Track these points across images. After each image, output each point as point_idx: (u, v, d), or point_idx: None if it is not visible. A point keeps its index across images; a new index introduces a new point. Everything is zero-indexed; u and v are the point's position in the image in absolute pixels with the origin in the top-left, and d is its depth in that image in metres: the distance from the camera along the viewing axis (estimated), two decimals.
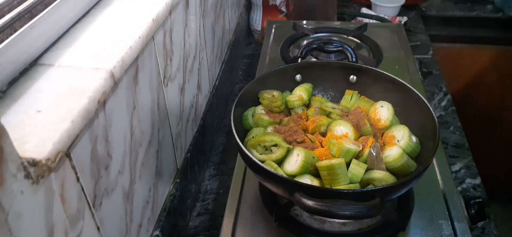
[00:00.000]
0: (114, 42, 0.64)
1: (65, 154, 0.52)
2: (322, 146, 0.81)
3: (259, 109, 0.90)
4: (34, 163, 0.45)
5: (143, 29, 0.68)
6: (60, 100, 0.53)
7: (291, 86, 0.98)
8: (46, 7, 0.62)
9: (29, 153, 0.45)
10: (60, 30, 0.66)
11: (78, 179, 0.55)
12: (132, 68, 0.69)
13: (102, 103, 0.59)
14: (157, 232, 0.83)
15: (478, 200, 0.94)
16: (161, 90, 0.83)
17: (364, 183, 0.76)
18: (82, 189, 0.57)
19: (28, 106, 0.52)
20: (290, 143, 0.81)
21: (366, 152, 0.79)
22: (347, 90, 0.97)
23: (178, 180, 0.94)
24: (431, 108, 0.81)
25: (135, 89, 0.71)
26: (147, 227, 0.81)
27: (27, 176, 0.45)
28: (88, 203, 0.58)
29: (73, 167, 0.54)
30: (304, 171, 0.76)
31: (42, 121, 0.50)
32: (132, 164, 0.72)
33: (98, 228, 0.62)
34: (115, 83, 0.60)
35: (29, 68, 0.58)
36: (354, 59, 1.17)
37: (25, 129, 0.48)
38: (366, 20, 1.66)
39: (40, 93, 0.54)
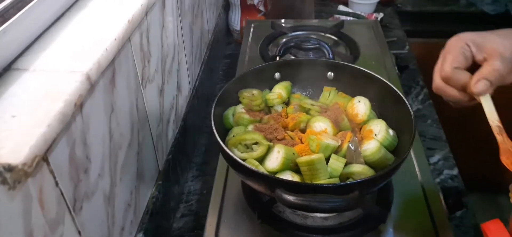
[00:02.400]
0: (89, 44, 0.64)
1: (42, 158, 0.51)
2: (302, 142, 0.82)
3: (239, 108, 0.91)
4: (10, 168, 0.44)
5: (119, 31, 0.68)
6: (35, 104, 0.52)
7: (271, 84, 0.98)
8: (19, 11, 0.61)
9: (5, 158, 0.44)
10: (34, 34, 0.65)
11: (56, 183, 0.55)
12: (108, 70, 0.68)
13: (78, 106, 0.58)
14: (140, 235, 0.83)
15: (455, 190, 0.97)
16: (139, 92, 0.82)
17: (344, 177, 0.78)
18: (61, 193, 0.56)
19: (3, 111, 0.51)
20: (270, 141, 0.82)
21: (345, 146, 0.80)
22: (325, 87, 0.98)
23: (161, 182, 0.94)
24: (406, 101, 0.83)
25: (112, 91, 0.70)
26: (130, 230, 0.80)
27: (3, 181, 0.44)
28: (68, 207, 0.58)
29: (51, 171, 0.53)
30: (284, 167, 0.76)
31: (18, 125, 0.49)
32: (112, 167, 0.71)
33: (79, 232, 0.61)
34: (91, 86, 0.59)
35: (3, 73, 0.57)
36: (331, 56, 1.19)
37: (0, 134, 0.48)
38: (343, 18, 1.68)
39: (15, 98, 0.53)
